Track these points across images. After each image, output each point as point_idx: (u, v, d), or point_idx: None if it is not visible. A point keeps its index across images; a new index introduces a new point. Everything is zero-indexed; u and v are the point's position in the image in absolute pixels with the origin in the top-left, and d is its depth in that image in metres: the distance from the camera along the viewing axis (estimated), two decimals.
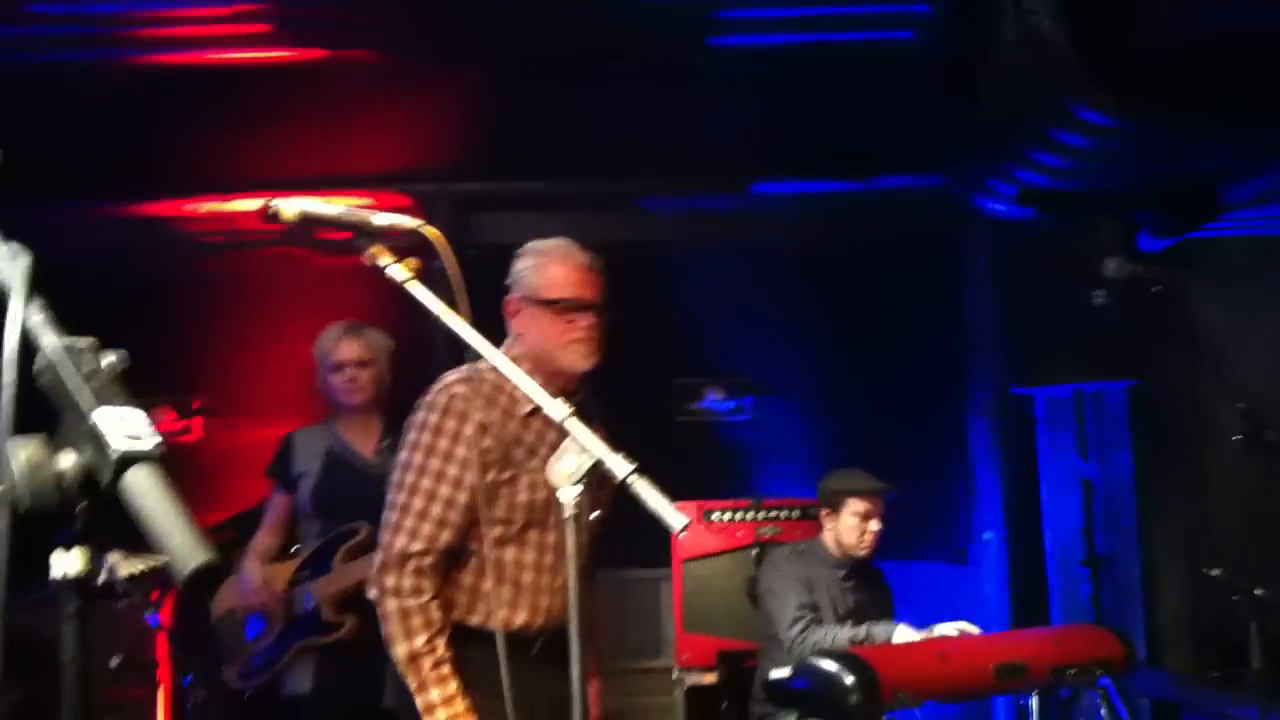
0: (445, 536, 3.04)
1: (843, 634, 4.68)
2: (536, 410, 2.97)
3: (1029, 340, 6.07)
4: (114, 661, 4.06)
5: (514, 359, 2.89)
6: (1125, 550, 6.02)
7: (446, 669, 2.96)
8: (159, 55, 6.09)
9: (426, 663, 2.95)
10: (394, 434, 4.67)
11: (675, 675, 5.40)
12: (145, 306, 5.58)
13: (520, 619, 3.08)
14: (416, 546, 3.02)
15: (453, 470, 3.05)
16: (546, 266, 3.24)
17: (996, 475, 6.16)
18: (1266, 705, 3.74)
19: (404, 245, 2.54)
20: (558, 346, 3.19)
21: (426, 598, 3.00)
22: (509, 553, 3.10)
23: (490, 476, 3.05)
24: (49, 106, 5.72)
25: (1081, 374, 5.76)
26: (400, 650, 2.97)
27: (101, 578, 3.68)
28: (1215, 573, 4.11)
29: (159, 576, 4.46)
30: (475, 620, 3.08)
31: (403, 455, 3.12)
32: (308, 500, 4.61)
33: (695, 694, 5.38)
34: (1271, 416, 3.89)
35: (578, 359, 3.20)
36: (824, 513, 5.05)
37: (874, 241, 6.45)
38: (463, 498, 3.04)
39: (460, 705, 2.94)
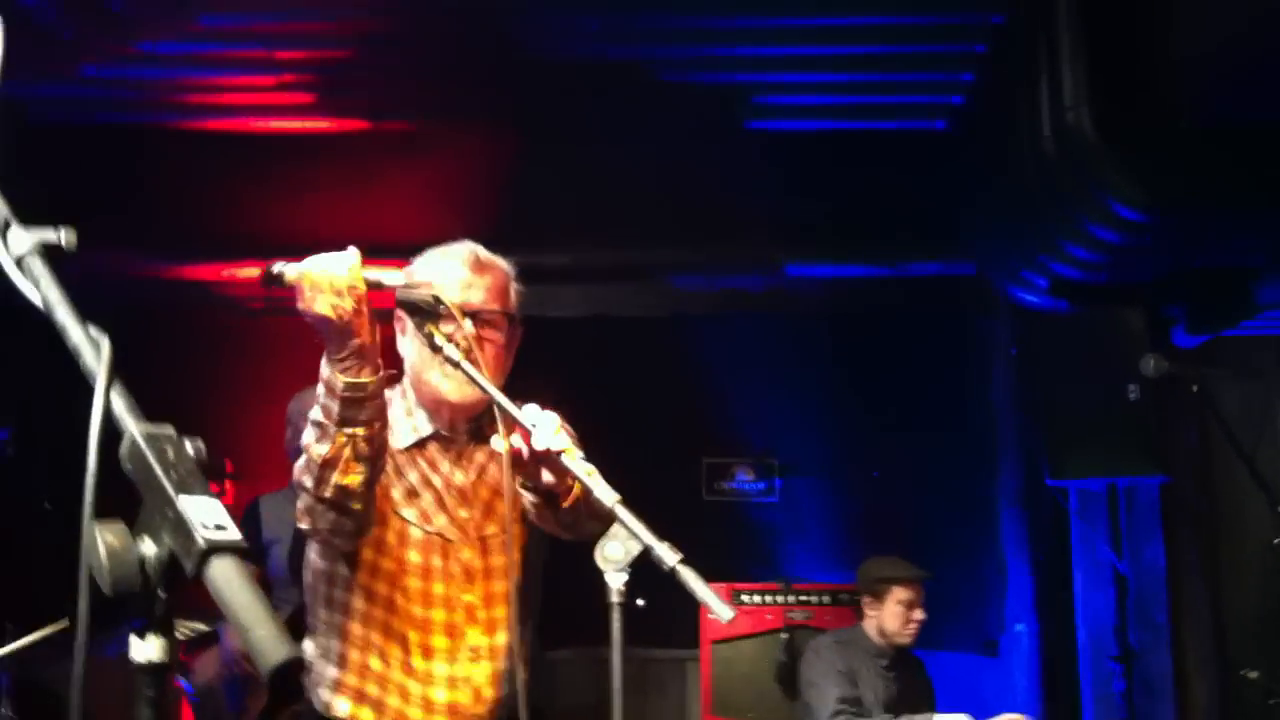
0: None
1: None
2: (433, 438, 2.77)
3: (1060, 431, 6.04)
4: None
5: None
6: (1156, 646, 5.96)
7: None
8: (205, 121, 6.21)
9: None
10: None
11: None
12: (182, 368, 5.62)
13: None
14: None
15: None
16: (416, 277, 2.88)
17: (1028, 566, 6.12)
18: None
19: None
20: (427, 366, 2.75)
21: None
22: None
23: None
24: (98, 167, 5.82)
25: (1115, 468, 5.73)
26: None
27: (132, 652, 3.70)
28: (1252, 675, 4.06)
29: (191, 641, 4.48)
30: None
31: None
32: (283, 568, 4.47)
33: None
34: None
35: (450, 386, 2.72)
36: (866, 600, 5.00)
37: (905, 326, 6.48)
38: None
39: None
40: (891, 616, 4.91)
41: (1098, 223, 4.99)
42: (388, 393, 2.67)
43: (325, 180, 6.20)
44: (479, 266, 2.94)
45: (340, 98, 6.19)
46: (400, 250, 6.10)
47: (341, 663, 2.71)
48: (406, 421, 2.81)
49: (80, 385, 1.41)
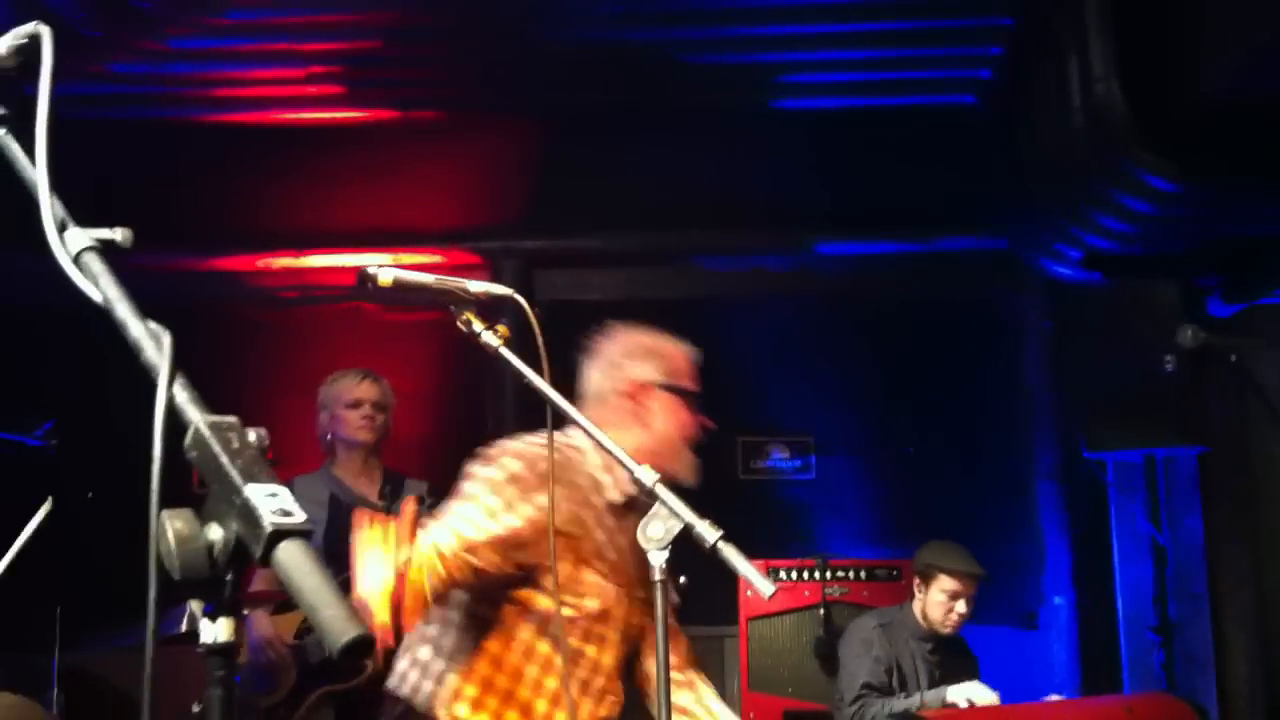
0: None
1: (897, 704, 4.66)
2: (627, 504, 2.88)
3: (1095, 404, 6.04)
4: (196, 708, 4.07)
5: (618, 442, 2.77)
6: (1196, 617, 5.95)
7: None
8: (236, 115, 6.26)
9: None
10: (394, 481, 4.75)
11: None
12: (217, 359, 5.68)
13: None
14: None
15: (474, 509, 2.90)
16: (674, 355, 3.05)
17: (1066, 539, 6.12)
18: None
19: (485, 308, 2.58)
20: (685, 445, 2.97)
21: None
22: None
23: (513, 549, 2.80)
24: (128, 162, 5.88)
25: (1152, 440, 5.72)
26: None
27: (184, 625, 3.74)
28: None
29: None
30: None
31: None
32: (319, 547, 4.57)
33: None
34: None
35: (693, 468, 2.97)
36: (916, 582, 4.98)
37: (937, 302, 6.47)
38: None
39: None
40: (935, 605, 4.89)
41: (1129, 193, 4.98)
42: (567, 440, 2.87)
43: (356, 170, 6.25)
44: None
45: (368, 89, 6.23)
46: (431, 238, 6.22)
47: (468, 674, 2.85)
48: (604, 478, 2.92)
49: (124, 380, 1.45)
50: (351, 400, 4.74)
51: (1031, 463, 6.25)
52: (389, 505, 4.74)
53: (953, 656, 5.01)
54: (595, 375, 3.05)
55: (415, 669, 2.93)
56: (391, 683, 2.99)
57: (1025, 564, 6.27)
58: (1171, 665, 5.84)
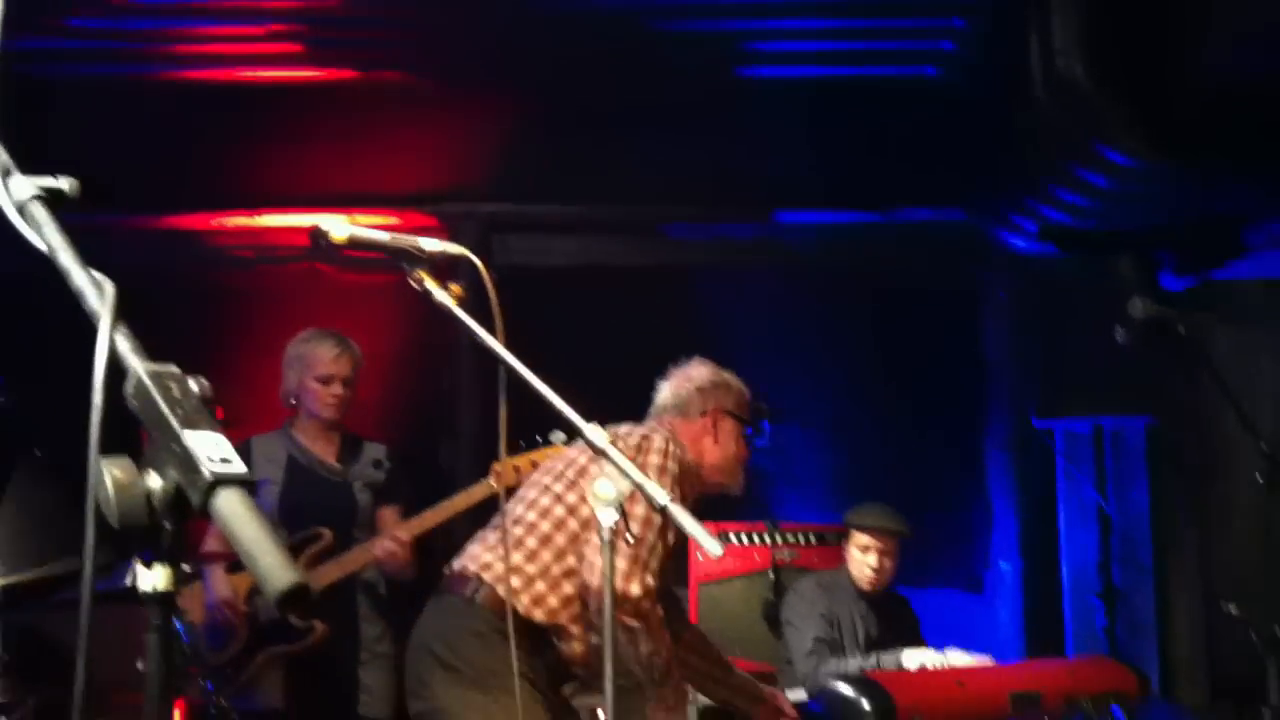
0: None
1: (853, 663, 4.74)
2: None
3: (1047, 374, 6.11)
4: (141, 665, 4.06)
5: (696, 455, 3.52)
6: (1140, 584, 6.06)
7: None
8: (193, 72, 6.19)
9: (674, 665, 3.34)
10: (352, 444, 4.75)
11: (690, 696, 5.42)
12: (172, 319, 5.63)
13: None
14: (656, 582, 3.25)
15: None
16: (743, 392, 3.75)
17: (1013, 506, 6.20)
18: None
19: (439, 268, 2.58)
20: (741, 467, 3.72)
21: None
22: None
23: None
24: (84, 119, 5.81)
25: (1101, 409, 5.80)
26: (665, 652, 3.28)
27: (128, 581, 3.73)
28: (1231, 608, 4.14)
29: (186, 582, 4.52)
30: (560, 623, 3.29)
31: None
32: (273, 508, 4.58)
33: (709, 714, 5.39)
34: None
35: (741, 484, 3.80)
36: (845, 543, 5.11)
37: (895, 272, 6.51)
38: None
39: None
40: (856, 562, 5.06)
41: (1087, 167, 5.03)
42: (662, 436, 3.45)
43: (314, 131, 6.18)
44: None
45: (329, 48, 6.17)
46: (388, 200, 6.18)
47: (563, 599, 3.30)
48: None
49: (74, 335, 1.45)
50: (324, 375, 4.67)
51: (983, 431, 6.32)
52: (347, 468, 4.74)
53: (892, 617, 5.11)
54: (680, 393, 3.69)
55: (501, 563, 3.24)
56: (468, 566, 3.31)
57: (973, 530, 6.35)
58: (1114, 631, 5.93)
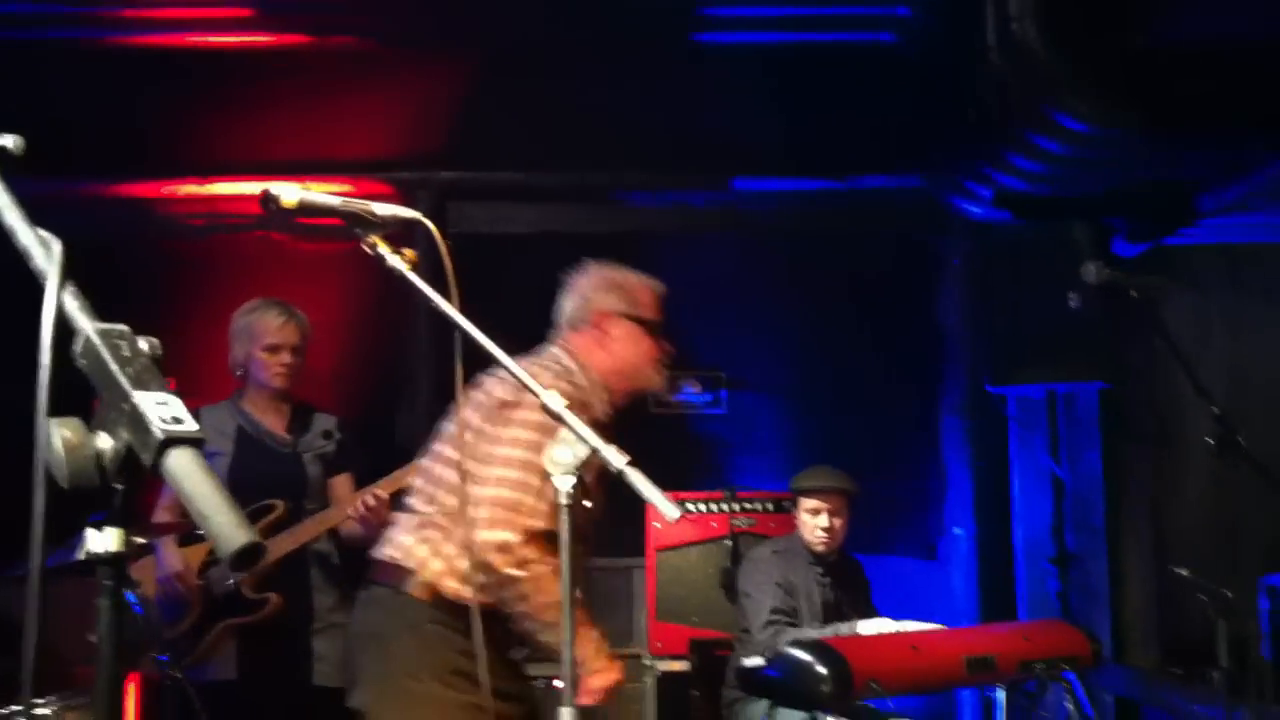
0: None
1: (810, 634, 4.76)
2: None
3: (1002, 340, 6.15)
4: (93, 637, 4.02)
5: (589, 366, 3.27)
6: (1093, 549, 6.12)
7: None
8: (142, 37, 6.09)
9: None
10: (302, 415, 4.71)
11: (647, 663, 5.46)
12: (123, 287, 5.55)
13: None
14: (548, 526, 2.93)
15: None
16: (638, 289, 3.44)
17: (968, 472, 6.24)
18: (1231, 704, 3.83)
19: (393, 235, 2.55)
20: (648, 367, 3.41)
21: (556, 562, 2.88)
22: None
23: None
24: (31, 85, 5.71)
25: (1053, 375, 5.85)
26: (558, 599, 2.82)
27: (81, 554, 3.69)
28: (1183, 572, 4.19)
29: (135, 556, 4.48)
30: (490, 600, 3.01)
31: (519, 432, 3.04)
32: (223, 480, 4.52)
33: (667, 681, 5.43)
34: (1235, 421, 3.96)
35: (661, 382, 3.48)
36: (793, 513, 5.14)
37: (851, 239, 6.52)
38: None
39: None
40: (805, 526, 5.06)
41: (1042, 134, 5.03)
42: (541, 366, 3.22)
43: (266, 96, 6.11)
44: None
45: (281, 13, 6.08)
46: (342, 167, 6.12)
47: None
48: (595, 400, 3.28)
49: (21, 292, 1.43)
50: (271, 344, 4.62)
51: (939, 398, 6.36)
52: (297, 439, 4.71)
53: (846, 581, 5.14)
54: (568, 306, 3.44)
55: (423, 545, 3.08)
56: (392, 553, 3.14)
57: (928, 497, 6.40)
58: (1067, 595, 6.00)
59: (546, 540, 2.96)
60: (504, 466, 3.01)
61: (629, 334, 3.38)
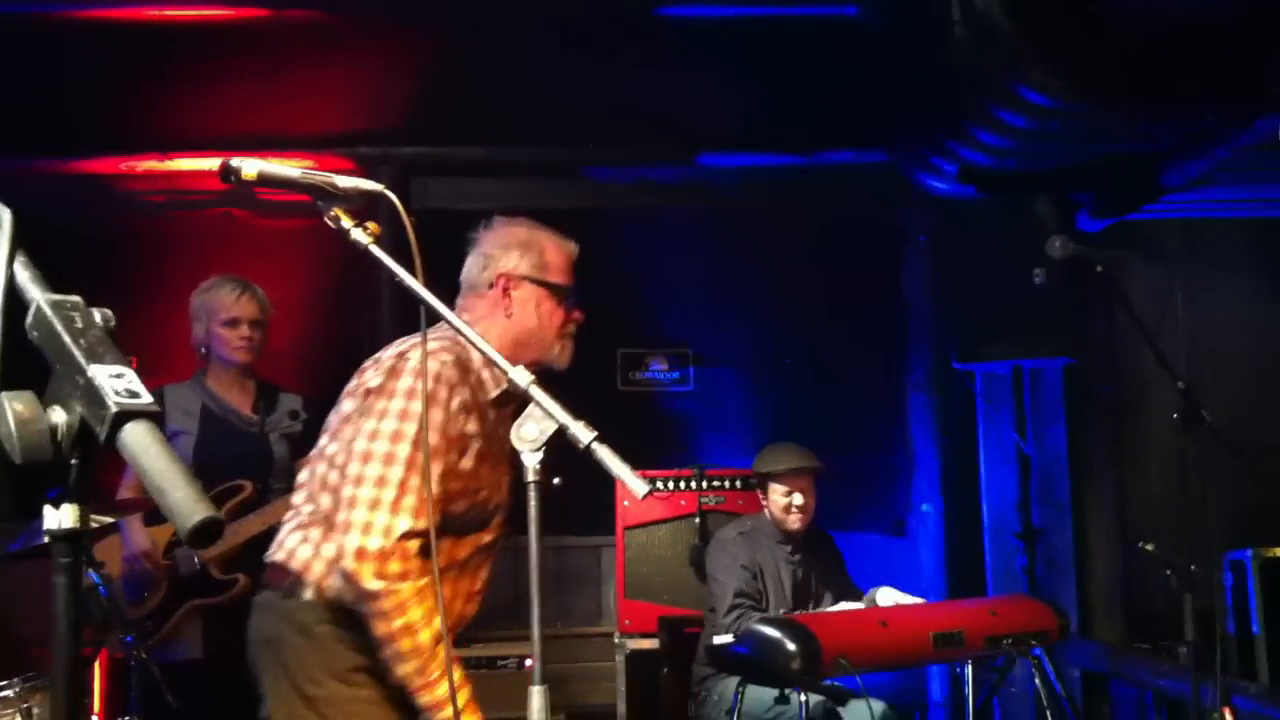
0: (433, 515, 2.67)
1: (776, 617, 4.77)
2: (502, 397, 2.87)
3: (967, 317, 6.17)
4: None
5: (486, 333, 2.88)
6: (1059, 524, 6.15)
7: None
8: (101, 10, 5.99)
9: (443, 646, 2.66)
10: (268, 394, 4.68)
11: (617, 640, 5.45)
12: (82, 265, 5.48)
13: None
14: (420, 525, 2.65)
15: (437, 441, 2.75)
16: (547, 249, 3.08)
17: (935, 449, 6.26)
18: (1198, 677, 3.85)
19: (356, 209, 2.50)
20: (552, 336, 3.06)
21: (428, 578, 2.67)
22: (443, 546, 2.82)
23: (459, 462, 2.81)
24: None
25: (1020, 351, 5.86)
26: (424, 635, 2.64)
27: (45, 537, 3.62)
28: (1149, 547, 4.20)
29: (99, 533, 4.43)
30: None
31: (377, 423, 2.75)
32: (188, 458, 4.49)
33: (636, 659, 5.42)
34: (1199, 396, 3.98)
35: (564, 356, 3.07)
36: (759, 492, 5.14)
37: (817, 215, 6.52)
38: (439, 471, 2.74)
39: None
40: (776, 506, 5.06)
41: (1006, 108, 5.03)
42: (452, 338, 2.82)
43: (226, 71, 6.03)
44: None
45: None
46: (304, 143, 6.05)
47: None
48: (485, 373, 2.92)
49: None
50: (229, 318, 4.60)
51: (905, 374, 6.37)
52: (264, 419, 4.67)
53: (816, 556, 5.14)
54: (471, 266, 3.10)
55: (306, 545, 2.82)
56: (279, 556, 2.88)
57: (896, 473, 6.42)
58: (1034, 570, 6.03)
59: (421, 551, 2.66)
60: (361, 462, 2.71)
61: (532, 299, 3.03)
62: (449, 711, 2.62)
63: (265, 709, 2.85)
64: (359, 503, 2.67)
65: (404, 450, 2.69)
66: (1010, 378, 6.24)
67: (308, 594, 2.77)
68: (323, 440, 2.94)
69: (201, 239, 6.11)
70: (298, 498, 2.96)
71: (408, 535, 2.64)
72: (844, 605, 4.82)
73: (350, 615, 2.73)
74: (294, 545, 2.84)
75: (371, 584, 2.62)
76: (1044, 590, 5.94)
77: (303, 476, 2.98)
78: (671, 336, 6.54)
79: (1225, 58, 4.82)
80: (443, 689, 2.63)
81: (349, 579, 2.64)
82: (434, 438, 2.73)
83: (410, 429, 2.71)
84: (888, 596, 4.75)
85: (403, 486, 2.67)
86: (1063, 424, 6.21)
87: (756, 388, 6.48)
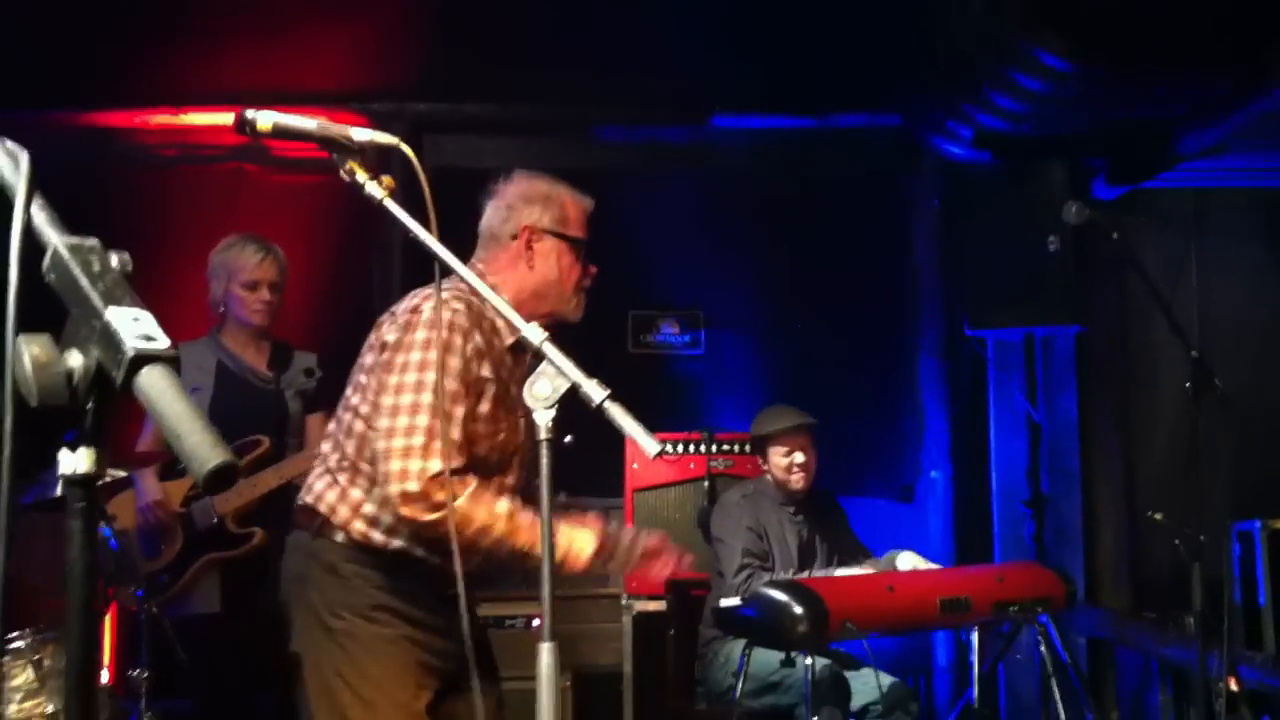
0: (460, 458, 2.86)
1: (781, 576, 4.77)
2: (518, 344, 2.93)
3: (979, 283, 6.13)
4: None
5: (498, 285, 2.94)
6: (1068, 492, 6.14)
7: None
8: None
9: (516, 511, 2.85)
10: (282, 352, 4.69)
11: (624, 602, 5.46)
12: (93, 218, 5.48)
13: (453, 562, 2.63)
14: (451, 465, 2.81)
15: (456, 387, 2.88)
16: (568, 204, 3.17)
17: (945, 415, 6.25)
18: (1204, 646, 3.84)
19: (369, 163, 2.49)
20: (570, 289, 3.15)
21: (474, 483, 2.86)
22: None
23: (478, 406, 2.94)
24: (1, 11, 5.59)
25: (1033, 318, 5.83)
26: (498, 525, 2.82)
27: (57, 490, 3.63)
28: (1157, 517, 4.20)
29: (113, 488, 4.44)
30: (400, 544, 2.94)
31: (400, 376, 2.88)
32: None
33: (643, 621, 5.44)
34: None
35: (578, 309, 3.17)
36: (759, 458, 5.15)
37: (830, 179, 6.48)
38: (460, 414, 2.88)
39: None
40: (777, 468, 5.07)
41: (1023, 71, 4.99)
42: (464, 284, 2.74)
43: (239, 26, 6.00)
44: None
45: None
46: (316, 98, 6.02)
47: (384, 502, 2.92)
48: (500, 322, 3.01)
49: None
50: (249, 280, 4.60)
51: (916, 340, 6.35)
52: (278, 376, 4.67)
53: (819, 516, 5.15)
54: (491, 218, 3.18)
55: (333, 490, 2.99)
56: (307, 499, 3.04)
57: (905, 438, 6.41)
58: (1041, 537, 6.02)
59: (464, 471, 2.86)
60: (390, 416, 2.85)
61: (554, 253, 3.12)
62: (567, 544, 2.89)
63: (294, 642, 3.01)
64: (393, 454, 2.82)
65: (426, 398, 2.83)
66: (1022, 345, 6.21)
67: (338, 536, 2.94)
68: (347, 391, 3.09)
69: (213, 194, 6.10)
70: (326, 445, 3.10)
71: (441, 474, 2.79)
72: (852, 568, 4.82)
73: (376, 556, 2.93)
74: (321, 489, 3.01)
75: (428, 517, 2.80)
76: (1051, 558, 5.93)
77: (330, 426, 3.13)
78: (682, 300, 6.52)
79: (1243, 23, 4.78)
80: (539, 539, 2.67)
81: (408, 523, 2.83)
82: (453, 384, 2.87)
83: (430, 378, 2.84)
84: (908, 561, 4.74)
85: (430, 432, 2.81)
86: (1073, 392, 6.19)
87: (766, 352, 6.46)
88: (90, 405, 1.20)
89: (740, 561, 4.88)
